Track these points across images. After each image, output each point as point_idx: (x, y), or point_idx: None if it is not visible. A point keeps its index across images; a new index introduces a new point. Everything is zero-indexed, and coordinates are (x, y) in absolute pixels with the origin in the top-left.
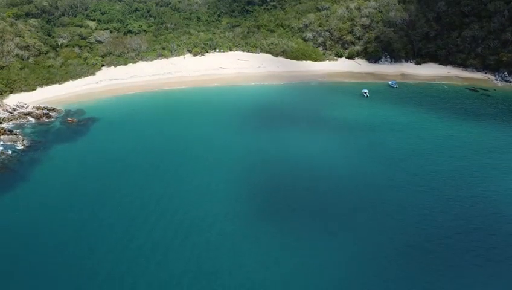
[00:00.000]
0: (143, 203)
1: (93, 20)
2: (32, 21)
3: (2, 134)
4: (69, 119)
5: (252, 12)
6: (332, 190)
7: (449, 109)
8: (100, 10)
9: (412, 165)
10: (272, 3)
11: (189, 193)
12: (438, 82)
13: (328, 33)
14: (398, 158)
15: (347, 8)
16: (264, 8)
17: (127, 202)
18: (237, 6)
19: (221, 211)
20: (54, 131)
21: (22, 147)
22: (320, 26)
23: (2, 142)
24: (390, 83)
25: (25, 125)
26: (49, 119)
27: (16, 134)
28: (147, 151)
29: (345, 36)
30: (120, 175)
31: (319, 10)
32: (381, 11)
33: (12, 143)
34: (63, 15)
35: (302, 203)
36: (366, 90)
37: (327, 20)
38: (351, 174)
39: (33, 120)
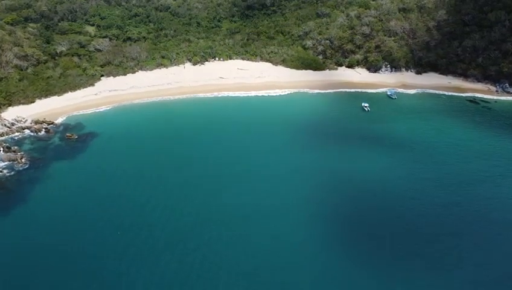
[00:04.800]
0: (145, 228)
1: (93, 25)
2: (31, 28)
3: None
4: (68, 134)
5: (252, 17)
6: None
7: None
8: (99, 15)
9: None
10: (271, 8)
11: (189, 215)
12: (441, 93)
13: (328, 41)
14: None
15: (347, 16)
16: (264, 13)
17: (127, 226)
18: (237, 11)
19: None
20: (53, 147)
21: (21, 165)
22: (320, 34)
23: (1, 161)
24: (388, 93)
25: (24, 141)
26: (48, 134)
27: (14, 151)
28: (147, 170)
29: (345, 45)
30: (120, 196)
31: (319, 16)
32: (382, 20)
33: (10, 162)
34: (62, 20)
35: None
36: (366, 104)
37: (327, 28)
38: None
39: (32, 135)
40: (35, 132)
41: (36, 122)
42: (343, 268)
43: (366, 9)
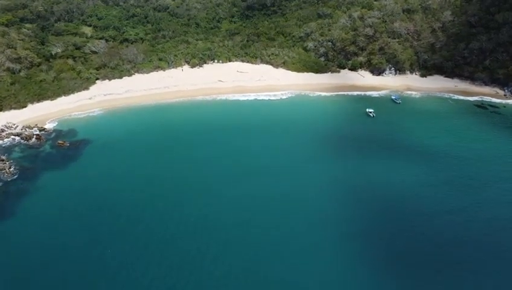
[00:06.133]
0: (137, 250)
1: (90, 25)
2: (26, 29)
3: None
4: (60, 141)
5: (252, 17)
6: None
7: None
8: (97, 15)
9: None
10: (272, 8)
11: (187, 224)
12: (447, 96)
13: (330, 43)
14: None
15: (350, 17)
16: (264, 14)
17: (117, 244)
18: (236, 11)
19: None
20: (44, 156)
21: (9, 175)
22: (322, 35)
23: None
24: (393, 97)
25: (13, 148)
26: (39, 141)
27: (2, 160)
28: (142, 179)
29: (347, 47)
30: (113, 208)
31: (320, 17)
32: (385, 21)
33: None
34: (59, 20)
35: None
36: (371, 110)
37: (329, 30)
38: None
39: (22, 142)
40: (26, 139)
41: (28, 127)
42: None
43: (369, 10)
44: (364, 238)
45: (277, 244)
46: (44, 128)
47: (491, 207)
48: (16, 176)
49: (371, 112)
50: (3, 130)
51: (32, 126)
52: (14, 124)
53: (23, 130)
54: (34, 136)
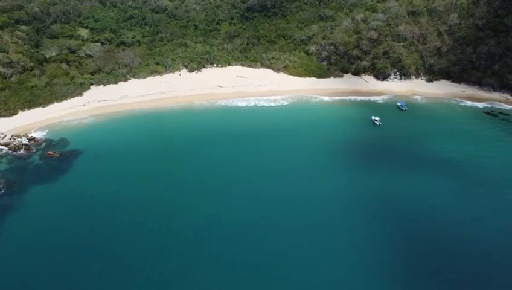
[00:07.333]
0: (129, 275)
1: (86, 27)
2: (20, 32)
3: None
4: (50, 152)
5: (252, 19)
6: None
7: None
8: (94, 17)
9: None
10: (272, 10)
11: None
12: (454, 103)
13: (332, 47)
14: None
15: (353, 20)
16: (265, 15)
17: (106, 268)
18: (236, 13)
19: None
20: (32, 168)
21: None
22: (324, 38)
23: None
24: (399, 104)
25: (0, 160)
26: (28, 152)
27: None
28: (137, 193)
29: (351, 50)
30: (103, 227)
31: (322, 19)
32: (390, 24)
33: None
34: (55, 22)
35: None
36: (377, 118)
37: (331, 33)
38: None
39: (10, 153)
40: (14, 149)
41: (17, 136)
42: None
43: (372, 12)
44: (374, 247)
45: (277, 247)
46: (34, 138)
47: (506, 217)
48: (2, 191)
49: (376, 120)
50: None
51: (21, 135)
52: (2, 133)
53: (12, 139)
54: (23, 146)
